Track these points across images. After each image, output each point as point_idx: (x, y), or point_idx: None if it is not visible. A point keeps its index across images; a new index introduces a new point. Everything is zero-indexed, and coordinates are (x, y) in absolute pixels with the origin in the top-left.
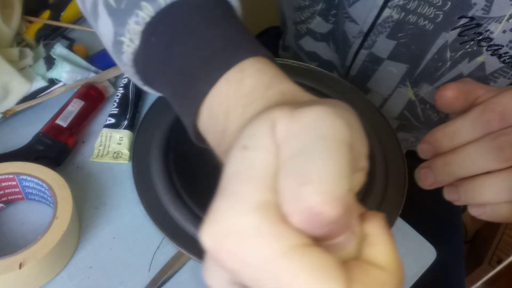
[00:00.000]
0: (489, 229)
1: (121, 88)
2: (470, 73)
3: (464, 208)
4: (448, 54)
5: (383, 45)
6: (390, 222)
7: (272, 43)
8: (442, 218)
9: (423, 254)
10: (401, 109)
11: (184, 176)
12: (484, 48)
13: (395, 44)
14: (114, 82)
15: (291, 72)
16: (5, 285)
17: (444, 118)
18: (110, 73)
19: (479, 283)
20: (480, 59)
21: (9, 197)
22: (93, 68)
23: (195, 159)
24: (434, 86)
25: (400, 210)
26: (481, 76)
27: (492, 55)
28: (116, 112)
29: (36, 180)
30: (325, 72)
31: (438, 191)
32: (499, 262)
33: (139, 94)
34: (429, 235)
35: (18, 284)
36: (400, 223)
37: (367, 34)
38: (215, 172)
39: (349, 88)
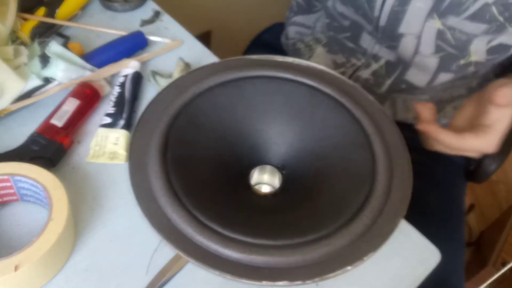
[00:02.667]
0: (494, 231)
1: (118, 87)
2: (494, 1)
3: (469, 209)
4: None
5: None
6: (393, 224)
7: (277, 39)
8: (443, 220)
9: (427, 257)
10: (434, 41)
11: (182, 177)
12: None
13: None
14: (110, 81)
15: (291, 70)
16: None
17: (471, 37)
18: (106, 72)
19: (484, 285)
20: None
21: (4, 198)
22: (88, 66)
23: (193, 160)
24: (460, 17)
25: (404, 212)
26: (504, 3)
27: None
28: (112, 111)
29: (31, 181)
30: (326, 71)
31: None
32: (504, 264)
33: (136, 93)
34: (429, 237)
35: (13, 287)
36: (403, 224)
37: None
38: (213, 173)
39: (350, 86)
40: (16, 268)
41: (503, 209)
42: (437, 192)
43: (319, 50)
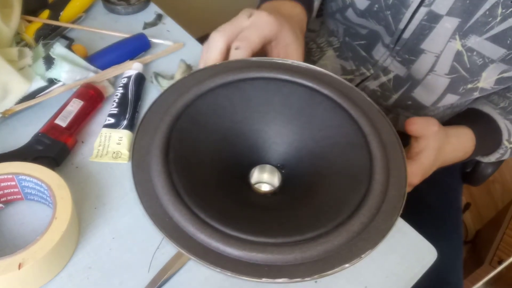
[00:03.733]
0: (490, 229)
1: (121, 88)
2: None
3: (465, 208)
4: (500, 11)
5: (444, 1)
6: (390, 222)
7: None
8: (441, 219)
9: (424, 255)
10: (451, 62)
11: (184, 176)
12: None
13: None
14: (114, 82)
15: (290, 71)
16: (4, 285)
17: (488, 62)
18: (110, 73)
19: (480, 283)
20: None
21: (8, 197)
22: (92, 67)
23: (194, 159)
24: (482, 37)
25: (400, 210)
26: None
27: None
28: (115, 112)
29: (35, 180)
30: (324, 73)
31: (438, 192)
32: (500, 262)
33: (139, 94)
34: (428, 235)
35: (17, 285)
36: (400, 223)
37: None
38: (214, 172)
39: (348, 88)
40: (20, 266)
41: (499, 208)
42: (436, 193)
43: (330, 53)
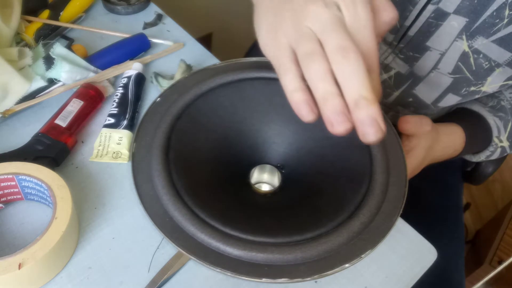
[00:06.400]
0: (490, 229)
1: (121, 88)
2: None
3: (465, 208)
4: (507, 12)
5: None
6: (390, 222)
7: None
8: (442, 218)
9: (424, 255)
10: (455, 61)
11: (184, 176)
12: None
13: None
14: (114, 82)
15: None
16: (4, 285)
17: (494, 65)
18: (110, 73)
19: (480, 283)
20: None
21: (8, 197)
22: (92, 67)
23: (194, 159)
24: (489, 39)
25: (400, 210)
26: None
27: None
28: (115, 112)
29: (35, 180)
30: None
31: (439, 192)
32: (500, 262)
33: (139, 94)
34: (430, 235)
35: (17, 285)
36: (400, 223)
37: None
38: (214, 172)
39: None
40: (20, 266)
41: (499, 208)
42: (436, 192)
43: None
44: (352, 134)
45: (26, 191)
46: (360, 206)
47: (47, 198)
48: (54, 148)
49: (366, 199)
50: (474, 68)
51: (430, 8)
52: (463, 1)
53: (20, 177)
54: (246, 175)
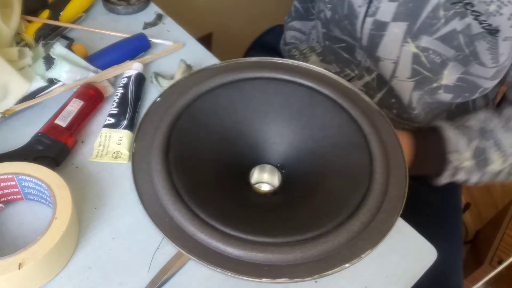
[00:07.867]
0: (490, 229)
1: (121, 88)
2: (461, 30)
3: (465, 208)
4: (442, 13)
5: (386, 9)
6: (390, 222)
7: (277, 41)
8: (442, 218)
9: (424, 255)
10: (410, 65)
11: (184, 176)
12: (469, 12)
13: (396, 6)
14: (114, 82)
15: (290, 72)
16: (4, 285)
17: (445, 59)
18: (110, 73)
19: (480, 283)
20: (468, 20)
21: (8, 197)
22: (92, 67)
23: (194, 159)
24: (432, 37)
25: (400, 210)
26: (469, 35)
27: (474, 19)
28: (115, 112)
29: (35, 180)
30: (324, 73)
31: (439, 191)
32: (500, 262)
33: (139, 94)
34: (429, 235)
35: (17, 285)
36: (400, 223)
37: (370, 1)
38: (214, 172)
39: (348, 88)
40: (20, 266)
41: (499, 208)
42: (436, 193)
43: (313, 58)
44: (352, 134)
45: (26, 191)
46: (360, 206)
47: (47, 198)
48: (54, 148)
49: (366, 199)
50: (429, 66)
51: (369, 20)
52: (398, 8)
53: (20, 177)
54: (246, 175)
